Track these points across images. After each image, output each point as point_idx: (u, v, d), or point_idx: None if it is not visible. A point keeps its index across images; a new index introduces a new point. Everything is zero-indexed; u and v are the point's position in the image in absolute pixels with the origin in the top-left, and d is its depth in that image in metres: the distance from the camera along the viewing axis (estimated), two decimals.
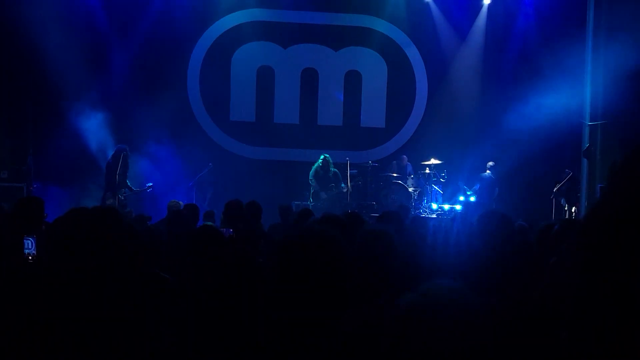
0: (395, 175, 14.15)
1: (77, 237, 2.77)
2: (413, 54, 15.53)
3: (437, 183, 14.10)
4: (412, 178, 14.06)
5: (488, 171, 14.15)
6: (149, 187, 12.92)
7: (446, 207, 13.67)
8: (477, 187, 14.07)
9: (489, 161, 14.18)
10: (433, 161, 14.02)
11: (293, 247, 2.25)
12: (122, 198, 12.47)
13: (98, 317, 2.60)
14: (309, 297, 2.18)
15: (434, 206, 13.74)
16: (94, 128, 13.64)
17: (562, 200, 13.65)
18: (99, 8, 13.84)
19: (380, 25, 15.37)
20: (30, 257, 4.46)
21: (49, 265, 3.38)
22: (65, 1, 13.53)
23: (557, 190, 13.61)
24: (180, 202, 9.67)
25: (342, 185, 13.72)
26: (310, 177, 13.68)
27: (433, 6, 15.13)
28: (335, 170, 13.77)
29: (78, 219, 2.86)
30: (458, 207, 13.66)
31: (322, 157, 13.71)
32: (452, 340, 1.43)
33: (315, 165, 13.72)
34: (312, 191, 13.67)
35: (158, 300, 3.21)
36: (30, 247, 4.49)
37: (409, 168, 14.49)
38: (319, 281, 2.18)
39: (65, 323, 2.59)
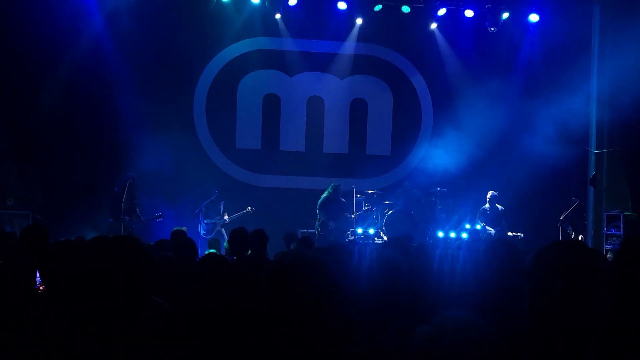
0: (401, 203, 14.09)
1: (102, 267, 2.72)
2: (418, 82, 15.58)
3: (443, 211, 14.06)
4: (417, 206, 14.01)
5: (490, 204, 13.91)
6: (159, 216, 12.90)
7: (452, 235, 13.60)
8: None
9: (491, 191, 13.87)
10: (439, 189, 13.97)
11: (283, 272, 2.23)
12: (126, 225, 12.45)
13: (111, 347, 2.57)
14: (306, 322, 2.16)
15: (440, 234, 13.67)
16: (100, 156, 13.69)
17: (569, 229, 13.58)
18: (105, 35, 13.87)
19: (386, 54, 15.45)
20: (41, 288, 4.32)
21: (64, 295, 3.34)
22: (72, 31, 13.59)
23: (564, 218, 13.54)
24: (184, 228, 9.66)
25: (349, 215, 13.65)
26: (318, 208, 13.52)
27: (438, 35, 15.20)
28: (343, 199, 13.70)
29: (103, 248, 2.82)
30: (464, 235, 13.59)
31: (331, 185, 13.61)
32: None
33: (325, 194, 13.56)
34: (319, 220, 13.54)
35: (160, 327, 3.19)
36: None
37: (415, 196, 14.40)
38: (313, 306, 2.16)
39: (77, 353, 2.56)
